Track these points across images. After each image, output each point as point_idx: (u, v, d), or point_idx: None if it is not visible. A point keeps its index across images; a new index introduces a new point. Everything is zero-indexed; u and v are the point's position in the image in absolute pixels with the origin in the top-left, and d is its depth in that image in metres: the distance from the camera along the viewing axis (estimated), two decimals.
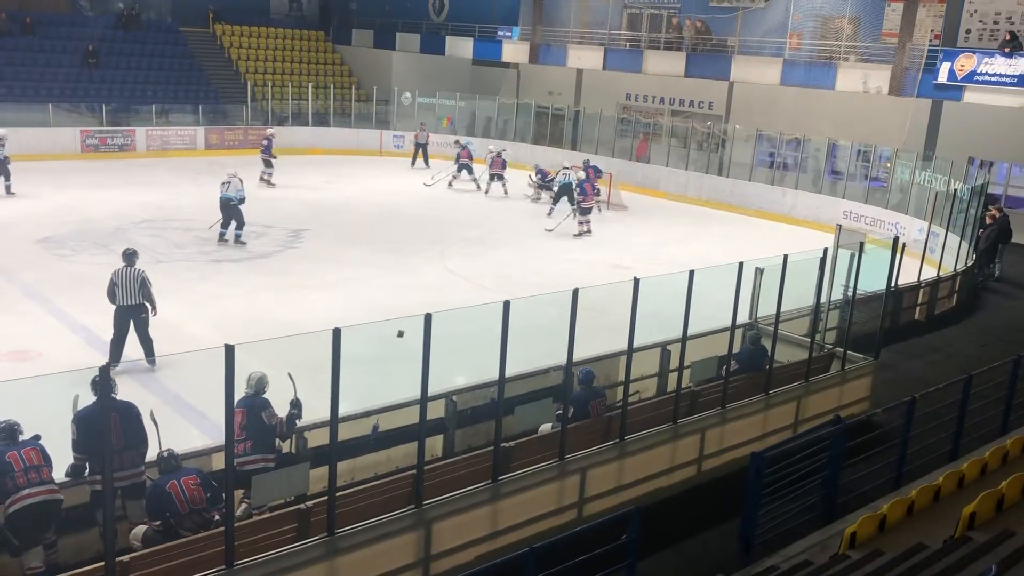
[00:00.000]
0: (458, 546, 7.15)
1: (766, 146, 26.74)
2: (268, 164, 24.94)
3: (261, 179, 24.68)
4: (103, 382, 5.63)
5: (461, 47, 34.89)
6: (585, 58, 31.34)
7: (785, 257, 9.19)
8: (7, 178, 21.67)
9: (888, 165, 23.59)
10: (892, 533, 6.97)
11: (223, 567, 5.86)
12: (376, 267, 17.40)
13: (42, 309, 13.84)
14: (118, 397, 6.73)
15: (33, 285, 14.93)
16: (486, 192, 25.53)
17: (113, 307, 11.41)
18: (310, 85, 33.09)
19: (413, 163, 29.68)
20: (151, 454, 6.92)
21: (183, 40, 34.08)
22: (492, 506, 7.35)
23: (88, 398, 6.29)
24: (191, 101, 31.08)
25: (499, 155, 25.45)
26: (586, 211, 20.99)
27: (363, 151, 30.93)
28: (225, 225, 18.16)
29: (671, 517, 8.17)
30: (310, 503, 6.48)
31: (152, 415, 7.02)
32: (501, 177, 25.38)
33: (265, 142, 25.20)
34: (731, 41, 28.02)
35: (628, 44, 30.92)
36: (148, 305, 11.42)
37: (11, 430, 6.47)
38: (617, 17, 31.58)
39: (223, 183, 18.04)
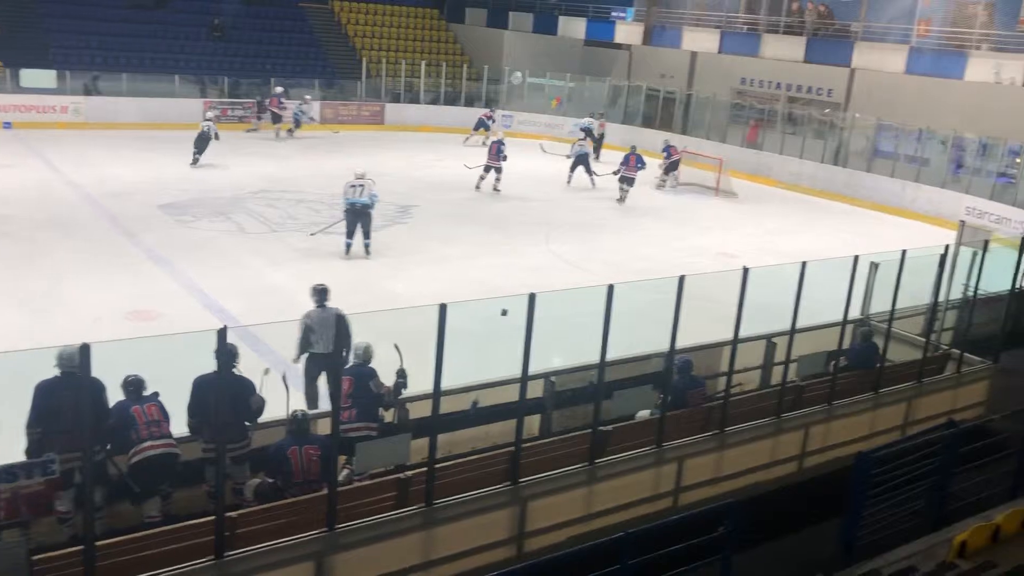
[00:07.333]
0: (552, 525, 7.19)
1: (886, 136, 25.73)
2: (280, 120, 26.99)
3: (278, 136, 26.79)
4: (221, 350, 5.76)
5: (574, 27, 34.71)
6: (700, 41, 30.75)
7: (903, 253, 8.86)
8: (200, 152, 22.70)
9: (1018, 160, 22.39)
10: (1006, 545, 6.67)
11: (325, 529, 6.05)
12: (481, 245, 17.55)
13: (163, 272, 14.48)
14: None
15: (155, 248, 15.63)
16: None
17: (302, 356, 9.56)
18: (423, 63, 33.46)
19: (596, 156, 27.21)
20: (282, 414, 7.11)
21: (302, 16, 34.90)
22: (588, 488, 7.37)
23: (205, 365, 6.46)
24: (308, 76, 31.87)
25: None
26: (625, 179, 22.36)
27: (471, 130, 31.01)
28: (351, 234, 15.72)
29: (769, 512, 7.99)
30: (409, 473, 6.61)
31: (284, 378, 7.27)
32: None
33: (281, 101, 27.06)
34: (854, 26, 27.03)
35: (746, 27, 30.19)
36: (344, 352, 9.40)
37: (137, 385, 6.75)
38: None
39: (353, 185, 15.39)
